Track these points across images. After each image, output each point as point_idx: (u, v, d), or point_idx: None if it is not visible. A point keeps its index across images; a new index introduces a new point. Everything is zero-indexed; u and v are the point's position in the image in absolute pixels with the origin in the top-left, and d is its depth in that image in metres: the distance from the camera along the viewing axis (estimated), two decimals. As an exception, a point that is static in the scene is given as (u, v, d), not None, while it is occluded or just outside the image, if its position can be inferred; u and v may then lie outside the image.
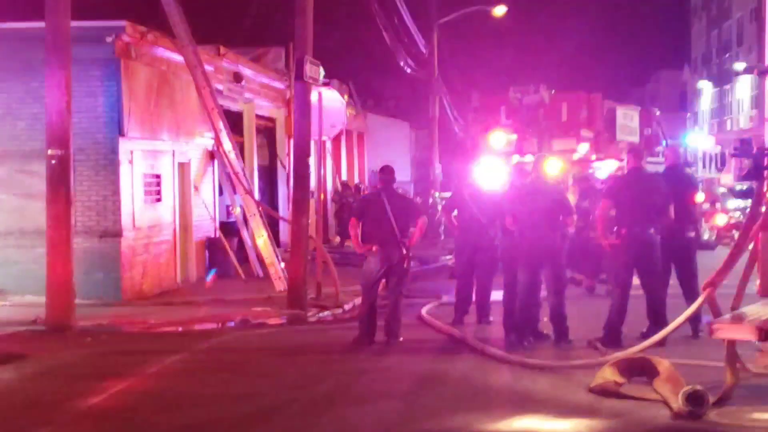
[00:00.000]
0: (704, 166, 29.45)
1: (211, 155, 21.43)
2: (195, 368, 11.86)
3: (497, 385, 10.53)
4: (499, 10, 38.66)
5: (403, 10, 33.71)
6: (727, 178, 32.03)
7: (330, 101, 18.66)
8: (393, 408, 9.59)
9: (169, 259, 19.31)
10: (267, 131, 27.49)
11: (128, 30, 17.25)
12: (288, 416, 9.38)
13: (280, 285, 18.58)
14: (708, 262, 12.55)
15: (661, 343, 11.02)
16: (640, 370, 9.87)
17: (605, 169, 22.85)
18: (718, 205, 28.76)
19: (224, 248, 20.90)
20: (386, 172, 13.44)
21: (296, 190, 16.73)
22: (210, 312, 16.01)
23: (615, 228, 12.80)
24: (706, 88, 68.38)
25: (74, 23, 14.78)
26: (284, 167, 26.48)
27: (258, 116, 25.52)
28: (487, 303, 14.63)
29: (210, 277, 19.97)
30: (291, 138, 20.42)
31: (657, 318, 12.40)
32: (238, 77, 22.99)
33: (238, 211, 21.42)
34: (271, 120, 27.31)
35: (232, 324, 15.02)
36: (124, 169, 17.38)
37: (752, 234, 10.21)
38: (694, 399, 8.63)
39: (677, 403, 8.72)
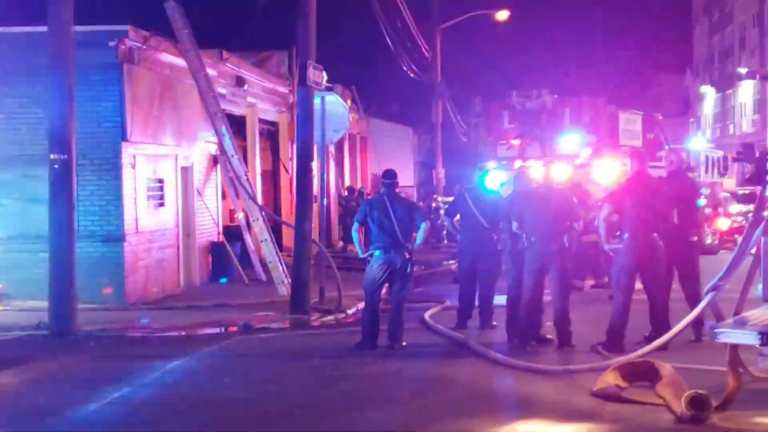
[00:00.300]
0: (707, 171, 29.43)
1: (214, 159, 21.45)
2: (198, 373, 11.87)
3: (500, 390, 10.54)
4: (502, 15, 38.70)
5: (406, 15, 33.73)
6: (730, 183, 32.03)
7: (333, 106, 18.67)
8: (396, 413, 9.59)
9: (172, 263, 19.31)
10: (270, 135, 27.52)
11: (131, 35, 17.26)
12: (291, 421, 9.38)
13: (283, 289, 18.58)
14: (710, 267, 12.54)
15: (664, 347, 11.02)
16: (643, 374, 9.87)
17: (607, 173, 22.83)
18: (720, 210, 28.74)
19: (227, 253, 20.91)
20: (389, 176, 13.44)
21: (299, 195, 16.73)
22: (213, 316, 16.01)
23: (618, 232, 12.79)
24: (708, 92, 68.37)
25: (77, 28, 14.80)
26: (287, 171, 26.49)
27: (261, 120, 25.53)
28: (490, 307, 14.62)
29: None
30: (294, 142, 20.44)
31: (659, 322, 12.39)
32: (240, 82, 23.01)
33: (240, 215, 21.43)
34: (274, 124, 27.33)
35: (235, 328, 15.02)
36: (126, 174, 17.38)
37: (755, 238, 10.20)
38: (697, 403, 8.63)
39: (680, 407, 8.72)
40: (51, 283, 14.50)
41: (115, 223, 17.27)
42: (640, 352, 10.81)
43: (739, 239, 10.51)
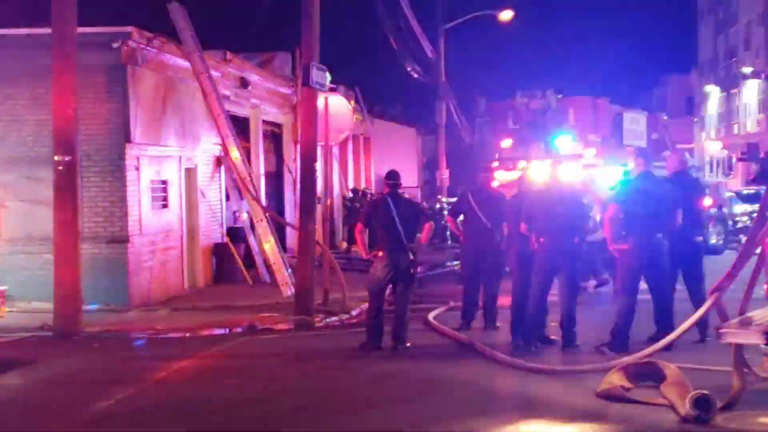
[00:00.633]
0: (711, 171, 29.44)
1: (218, 161, 21.46)
2: (202, 374, 11.87)
3: (504, 390, 10.53)
4: (506, 15, 38.68)
5: (409, 15, 33.74)
6: (735, 183, 32.02)
7: (336, 107, 18.67)
8: (401, 413, 9.59)
9: (176, 264, 19.32)
10: (274, 137, 27.51)
11: (135, 36, 17.27)
12: (296, 422, 9.38)
13: (287, 290, 18.58)
14: (715, 267, 12.52)
15: (668, 347, 10.99)
16: (648, 374, 9.86)
17: (611, 174, 22.83)
18: (725, 210, 28.72)
19: (231, 254, 20.92)
20: (392, 177, 13.43)
21: (303, 196, 16.73)
22: (217, 318, 16.01)
23: (623, 233, 12.76)
24: (713, 92, 68.30)
25: (80, 29, 14.81)
26: (291, 173, 26.48)
27: (264, 122, 25.54)
28: (494, 308, 14.61)
29: None
30: (297, 143, 20.43)
31: (664, 322, 12.37)
32: (244, 83, 23.02)
33: (245, 216, 21.44)
34: (278, 125, 27.33)
35: (239, 330, 15.02)
36: (130, 175, 17.39)
37: (759, 238, 10.18)
38: (702, 403, 8.62)
39: (684, 407, 8.70)
40: (55, 284, 14.51)
41: (119, 224, 17.28)
42: (644, 352, 10.78)
43: (744, 239, 10.49)
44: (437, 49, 36.91)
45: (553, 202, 12.84)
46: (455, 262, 23.59)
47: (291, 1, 18.35)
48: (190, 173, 20.20)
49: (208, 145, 20.99)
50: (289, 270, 19.14)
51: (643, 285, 12.72)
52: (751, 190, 32.86)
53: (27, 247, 17.17)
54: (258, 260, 21.10)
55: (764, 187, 10.78)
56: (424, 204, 32.10)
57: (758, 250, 10.27)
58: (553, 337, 13.01)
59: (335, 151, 29.23)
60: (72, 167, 14.53)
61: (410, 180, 41.61)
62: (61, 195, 14.54)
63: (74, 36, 14.55)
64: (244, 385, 11.07)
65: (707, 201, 13.94)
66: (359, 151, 36.93)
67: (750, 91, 57.80)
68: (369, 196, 30.82)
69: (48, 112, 15.25)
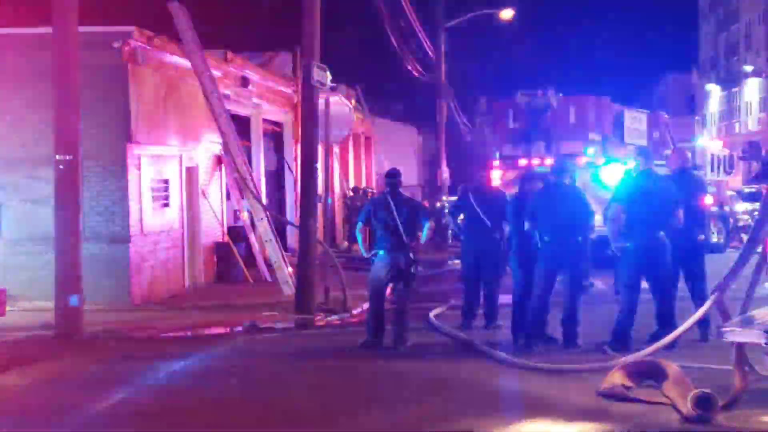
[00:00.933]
0: (713, 170, 29.41)
1: (219, 160, 21.47)
2: (203, 373, 11.87)
3: (505, 389, 10.52)
4: (507, 14, 38.66)
5: (410, 14, 33.70)
6: (736, 181, 32.00)
7: (337, 106, 18.67)
8: (401, 412, 9.58)
9: (178, 264, 19.33)
10: (274, 136, 27.53)
11: (135, 35, 17.27)
12: (296, 421, 9.38)
13: (288, 289, 18.58)
14: (717, 266, 12.51)
15: (670, 346, 10.99)
16: (649, 373, 9.85)
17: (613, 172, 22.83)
18: (726, 208, 28.70)
19: (232, 253, 20.93)
20: (392, 175, 13.42)
21: (303, 195, 16.73)
22: (218, 317, 16.01)
23: (624, 231, 12.75)
24: (714, 91, 68.35)
25: (82, 29, 14.79)
26: (291, 172, 26.50)
27: (265, 121, 25.55)
28: (494, 307, 14.61)
29: None
30: (298, 142, 20.43)
31: (666, 321, 12.36)
32: (245, 82, 23.02)
33: (245, 215, 21.44)
34: (279, 125, 27.34)
35: (240, 329, 15.02)
36: (132, 175, 17.40)
37: (761, 237, 10.18)
38: (703, 402, 8.61)
39: (686, 406, 8.70)
40: (56, 284, 14.50)
41: (120, 224, 17.29)
42: (646, 351, 10.78)
43: (746, 238, 10.49)
44: (438, 48, 36.86)
45: (557, 201, 12.83)
46: (456, 261, 23.62)
47: (292, 0, 18.32)
48: (191, 172, 20.20)
49: (209, 145, 20.99)
50: (290, 269, 19.15)
51: (644, 284, 12.72)
52: (753, 188, 32.84)
53: (28, 246, 17.17)
54: (259, 259, 21.10)
55: (765, 186, 10.77)
56: (425, 203, 32.11)
57: (759, 249, 10.27)
58: (554, 336, 12.99)
59: (336, 150, 29.24)
60: (73, 167, 14.52)
61: (411, 179, 41.62)
62: (63, 194, 14.53)
63: (75, 35, 14.53)
64: (245, 385, 11.07)
65: (708, 199, 13.91)
66: (360, 149, 36.93)
67: (751, 89, 57.84)
68: (369, 194, 30.83)
69: (49, 112, 15.22)
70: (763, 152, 11.27)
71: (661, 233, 12.45)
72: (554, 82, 26.81)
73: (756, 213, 27.24)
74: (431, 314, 15.44)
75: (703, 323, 11.90)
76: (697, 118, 72.93)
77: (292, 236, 23.19)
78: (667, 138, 27.67)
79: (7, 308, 15.81)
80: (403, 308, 13.06)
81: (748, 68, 55.45)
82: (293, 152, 26.32)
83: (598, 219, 16.02)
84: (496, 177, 22.61)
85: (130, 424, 9.44)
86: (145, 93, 17.94)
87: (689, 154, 15.05)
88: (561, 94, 24.71)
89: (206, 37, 20.04)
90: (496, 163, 23.77)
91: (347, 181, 33.60)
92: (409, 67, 35.41)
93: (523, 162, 23.44)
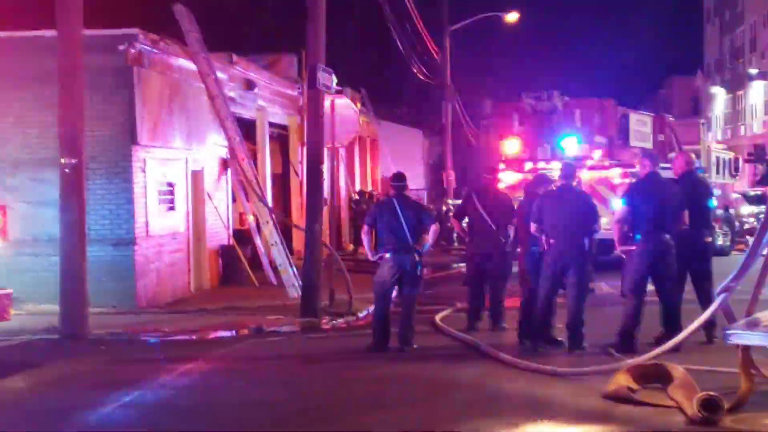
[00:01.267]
0: (718, 172, 29.39)
1: (224, 163, 21.47)
2: (209, 376, 11.87)
3: (510, 392, 10.51)
4: (512, 17, 38.69)
5: (415, 17, 33.75)
6: (741, 184, 31.97)
7: (343, 108, 18.66)
8: (407, 415, 9.58)
9: (183, 267, 19.32)
10: (280, 139, 27.52)
11: (140, 38, 17.28)
12: (303, 424, 9.38)
13: (294, 292, 18.58)
14: (722, 268, 12.50)
15: (676, 349, 10.97)
16: (654, 376, 9.84)
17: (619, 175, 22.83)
18: (731, 211, 28.68)
19: (238, 256, 20.92)
20: (398, 178, 13.42)
21: (309, 198, 16.73)
22: (224, 320, 16.01)
23: (630, 234, 12.74)
24: (719, 93, 68.25)
25: (86, 31, 14.82)
26: (297, 175, 26.50)
27: (271, 124, 25.54)
28: (500, 309, 14.60)
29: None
30: (304, 145, 20.43)
31: (671, 324, 12.35)
32: (250, 85, 23.02)
33: (251, 218, 21.43)
34: (284, 127, 27.34)
35: (245, 332, 15.01)
36: (137, 177, 17.40)
37: (766, 239, 10.15)
38: (709, 405, 8.59)
39: (692, 409, 8.68)
40: (62, 286, 14.52)
41: (125, 226, 17.28)
42: (652, 353, 10.76)
43: (751, 240, 10.46)
44: (443, 51, 36.92)
45: (562, 203, 12.83)
46: (461, 264, 23.62)
47: (297, 2, 18.32)
48: (196, 175, 20.20)
49: (214, 147, 20.99)
50: (296, 272, 19.14)
51: (650, 286, 12.71)
52: (758, 191, 32.84)
53: (33, 249, 17.16)
54: (264, 262, 21.09)
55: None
56: (431, 206, 32.12)
57: (765, 251, 10.25)
58: (559, 338, 12.98)
59: (342, 152, 29.23)
60: (78, 169, 14.54)
61: (417, 182, 41.63)
62: (67, 197, 14.55)
63: (80, 38, 14.56)
64: (251, 388, 11.07)
65: (713, 202, 13.89)
66: (366, 152, 36.94)
67: (756, 92, 57.74)
68: (375, 197, 30.84)
69: (54, 114, 15.25)
70: (769, 155, 11.27)
71: (667, 236, 12.45)
72: (559, 84, 26.82)
73: (761, 215, 27.27)
74: (437, 317, 15.44)
75: (708, 325, 11.88)
76: (702, 120, 72.84)
77: (298, 239, 23.18)
78: (672, 141, 27.62)
79: (12, 311, 15.83)
80: (409, 311, 13.06)
81: (753, 71, 55.38)
82: (299, 155, 26.31)
83: (604, 221, 16.01)
84: (501, 180, 22.58)
85: (137, 425, 9.45)
86: (150, 96, 17.94)
87: (694, 157, 15.02)
88: (566, 97, 24.69)
89: (211, 39, 20.06)
90: (501, 166, 23.74)
91: (353, 184, 33.61)
92: (415, 70, 35.45)
93: (528, 165, 23.44)
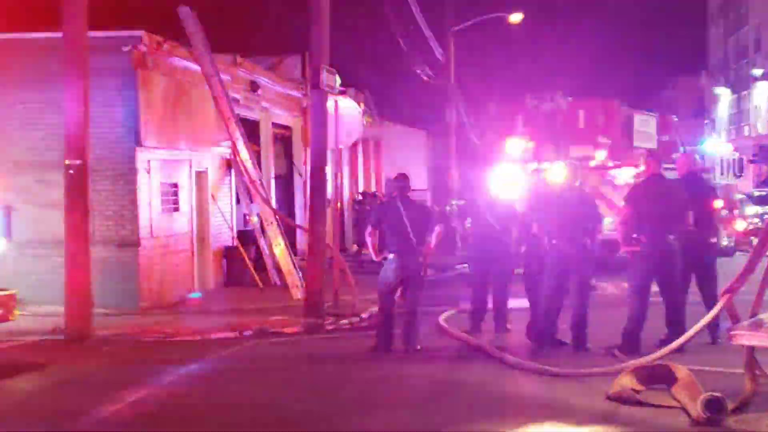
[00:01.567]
0: (722, 173, 29.37)
1: (228, 164, 21.48)
2: (212, 377, 11.89)
3: (514, 393, 10.51)
4: (516, 18, 38.66)
5: (418, 18, 33.70)
6: (745, 184, 31.95)
7: (346, 109, 18.66)
8: (411, 416, 9.58)
9: (187, 268, 19.34)
10: (284, 140, 27.54)
11: (145, 40, 17.30)
12: (306, 425, 9.38)
13: (297, 293, 18.59)
14: (726, 269, 12.49)
15: (680, 350, 10.96)
16: (659, 377, 9.84)
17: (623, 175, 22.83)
18: (736, 212, 28.64)
19: (241, 257, 20.93)
20: (401, 179, 13.42)
21: (313, 199, 16.74)
22: (227, 321, 16.02)
23: (634, 235, 12.74)
24: (723, 94, 68.20)
25: (91, 33, 14.84)
26: (301, 176, 26.51)
27: (275, 125, 25.56)
28: (504, 310, 14.60)
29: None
30: (308, 146, 20.45)
31: (675, 325, 12.34)
32: (254, 86, 23.04)
33: (255, 219, 21.45)
34: (288, 129, 27.36)
35: (249, 333, 15.03)
36: (141, 179, 17.43)
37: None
38: (713, 406, 8.59)
39: (696, 410, 8.68)
40: (66, 287, 14.53)
41: (129, 227, 17.31)
42: (656, 354, 10.76)
43: (755, 241, 10.45)
44: (447, 52, 36.88)
45: (563, 204, 12.83)
46: (465, 265, 23.61)
47: (301, 4, 18.32)
48: (200, 176, 20.22)
49: (218, 149, 21.01)
50: (300, 273, 19.15)
51: (654, 287, 12.70)
52: (762, 191, 32.79)
53: (38, 250, 17.19)
54: (268, 263, 21.11)
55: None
56: (435, 207, 32.09)
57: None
58: (563, 339, 12.98)
59: (345, 153, 29.24)
60: (83, 171, 14.56)
61: (421, 182, 41.60)
62: (72, 198, 14.57)
63: (85, 40, 14.58)
64: (254, 389, 11.07)
65: (718, 203, 13.90)
66: (369, 153, 36.93)
67: (760, 92, 57.69)
68: (378, 198, 30.83)
69: (58, 116, 15.28)
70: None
71: (672, 237, 12.44)
72: (563, 85, 26.82)
73: (766, 216, 27.26)
74: (441, 318, 15.44)
75: (712, 326, 11.87)
76: (706, 121, 72.77)
77: (302, 240, 23.19)
78: (676, 141, 27.62)
79: (17, 312, 15.86)
80: (413, 312, 13.06)
81: (758, 71, 55.35)
82: (302, 156, 26.33)
83: (608, 222, 16.02)
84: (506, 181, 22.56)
85: (141, 426, 9.46)
86: (155, 97, 17.97)
87: (698, 158, 15.03)
88: (570, 98, 24.70)
89: (215, 41, 20.07)
90: (505, 166, 23.72)
91: (356, 185, 33.60)
92: (418, 71, 35.41)
93: (532, 166, 23.43)
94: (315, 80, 16.40)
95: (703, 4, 73.98)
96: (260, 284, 20.56)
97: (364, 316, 16.43)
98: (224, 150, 21.15)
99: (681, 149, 26.82)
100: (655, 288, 12.71)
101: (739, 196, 30.68)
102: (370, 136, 35.87)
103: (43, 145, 17.24)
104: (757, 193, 32.74)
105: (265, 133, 24.82)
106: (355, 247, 29.77)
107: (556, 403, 9.79)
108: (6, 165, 17.50)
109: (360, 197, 32.21)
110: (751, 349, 9.16)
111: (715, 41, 72.32)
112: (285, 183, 27.47)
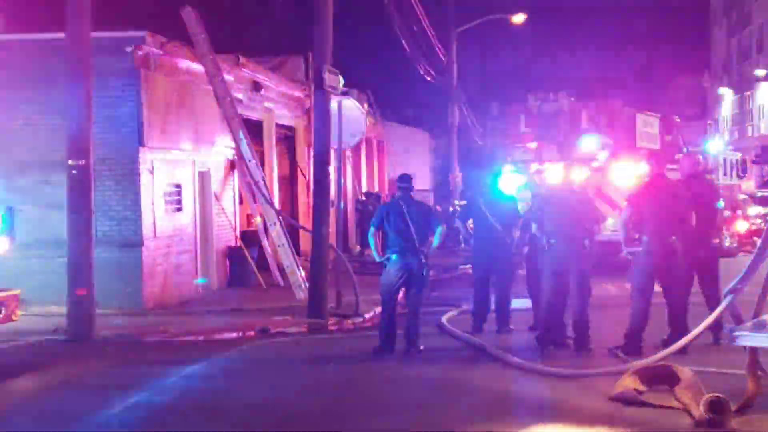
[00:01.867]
0: (725, 173, 29.34)
1: (232, 164, 21.49)
2: (216, 378, 11.88)
3: (517, 394, 10.52)
4: (518, 18, 38.67)
5: (422, 19, 33.73)
6: (749, 185, 31.91)
7: (349, 110, 18.66)
8: (414, 417, 9.59)
9: (190, 268, 19.35)
10: (287, 140, 27.54)
11: (148, 40, 17.30)
12: (309, 426, 9.38)
13: (301, 294, 18.60)
14: (729, 269, 12.49)
15: (683, 350, 10.97)
16: (661, 378, 9.84)
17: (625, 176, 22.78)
18: (739, 212, 28.63)
19: (245, 257, 20.94)
20: (404, 180, 13.42)
21: (316, 199, 16.75)
22: (230, 321, 16.03)
23: (637, 235, 12.74)
24: (726, 94, 68.10)
25: (94, 34, 14.85)
26: (304, 176, 26.52)
27: (278, 125, 25.56)
28: (506, 311, 14.60)
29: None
30: (311, 147, 20.45)
31: (678, 326, 12.34)
32: (257, 86, 23.05)
33: (258, 220, 21.46)
34: (291, 129, 27.35)
35: (252, 333, 15.03)
36: (144, 179, 17.43)
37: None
38: (716, 407, 8.59)
39: (698, 411, 8.68)
40: (69, 288, 14.54)
41: (132, 228, 17.31)
42: (658, 355, 10.76)
43: (758, 241, 10.44)
44: (449, 52, 36.91)
45: (562, 204, 12.84)
46: (468, 265, 23.60)
47: (303, 4, 18.34)
48: (203, 177, 20.23)
49: (221, 149, 21.02)
50: (302, 273, 19.15)
51: (657, 288, 12.70)
52: (765, 192, 32.78)
53: (41, 250, 17.19)
54: (271, 263, 21.12)
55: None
56: (437, 207, 32.10)
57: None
58: (566, 340, 12.98)
59: (348, 154, 29.24)
60: (86, 171, 14.57)
61: (424, 182, 41.62)
62: (75, 199, 14.58)
63: (88, 40, 14.59)
64: (257, 389, 11.08)
65: (721, 203, 13.89)
66: (372, 154, 36.95)
67: (763, 93, 57.60)
68: (382, 199, 30.84)
69: (61, 117, 15.28)
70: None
71: (674, 237, 12.44)
72: (566, 85, 26.78)
73: (768, 216, 27.25)
74: (443, 318, 15.44)
75: (715, 327, 11.86)
76: (709, 122, 72.70)
77: (305, 240, 23.20)
78: (679, 142, 27.58)
79: (20, 312, 15.87)
80: (416, 312, 13.06)
81: (761, 72, 55.25)
82: (306, 157, 26.33)
83: (610, 222, 16.00)
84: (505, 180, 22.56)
85: (144, 427, 9.47)
86: (158, 97, 17.97)
87: (701, 158, 15.01)
88: (573, 98, 24.67)
89: (218, 41, 20.08)
90: (508, 167, 23.72)
91: (360, 185, 33.61)
92: (421, 72, 35.44)
93: (534, 165, 23.42)
94: (318, 81, 16.41)
95: (706, 5, 73.92)
96: (263, 284, 20.57)
97: (366, 316, 16.45)
98: (227, 150, 21.16)
99: (684, 150, 26.76)
100: (657, 289, 12.71)
101: (742, 197, 30.67)
102: (374, 136, 35.89)
103: (46, 146, 17.22)
104: (760, 194, 32.75)
105: (269, 134, 24.82)
106: (358, 248, 29.77)
107: (558, 404, 9.79)
108: (9, 165, 17.51)
109: (363, 198, 32.21)
110: (754, 350, 9.15)
111: (718, 42, 72.25)
112: (288, 183, 27.47)
